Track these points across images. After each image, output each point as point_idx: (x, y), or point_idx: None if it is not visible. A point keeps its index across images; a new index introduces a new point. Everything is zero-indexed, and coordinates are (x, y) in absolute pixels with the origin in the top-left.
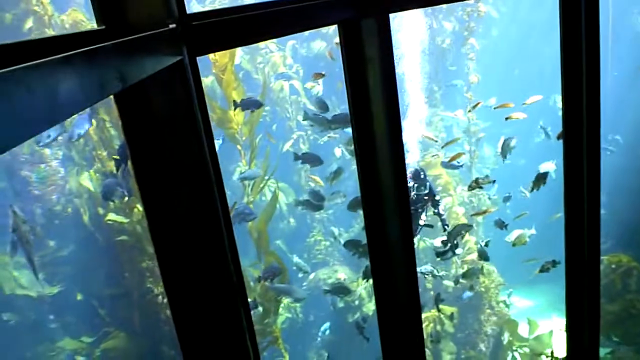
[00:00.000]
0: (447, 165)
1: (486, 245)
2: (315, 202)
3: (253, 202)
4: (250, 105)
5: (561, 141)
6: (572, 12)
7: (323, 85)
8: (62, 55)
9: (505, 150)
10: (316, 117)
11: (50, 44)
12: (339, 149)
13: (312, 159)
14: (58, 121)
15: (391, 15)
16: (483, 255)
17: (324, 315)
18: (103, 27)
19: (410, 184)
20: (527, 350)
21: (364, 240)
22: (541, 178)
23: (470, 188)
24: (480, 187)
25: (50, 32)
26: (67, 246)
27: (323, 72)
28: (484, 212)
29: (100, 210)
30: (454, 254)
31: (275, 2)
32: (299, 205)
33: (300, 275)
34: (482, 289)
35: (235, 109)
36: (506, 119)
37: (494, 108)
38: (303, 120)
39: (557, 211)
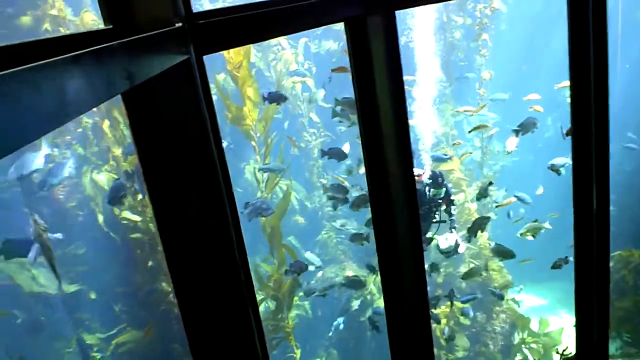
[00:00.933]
0: (436, 158)
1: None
2: (342, 195)
3: (267, 199)
4: (277, 98)
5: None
6: (579, 5)
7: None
8: (70, 54)
9: (527, 128)
10: (344, 113)
11: (58, 43)
12: (347, 144)
13: (338, 154)
14: (66, 120)
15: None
16: (502, 254)
17: (334, 312)
18: (110, 26)
19: (428, 184)
20: (535, 346)
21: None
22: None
23: (478, 198)
24: (486, 196)
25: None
26: (83, 245)
27: (345, 67)
28: (506, 203)
29: (116, 211)
30: (457, 252)
31: (281, 0)
32: (331, 200)
33: (311, 268)
34: (495, 285)
35: (264, 102)
36: (530, 108)
37: (524, 99)
38: (332, 117)
39: (567, 209)
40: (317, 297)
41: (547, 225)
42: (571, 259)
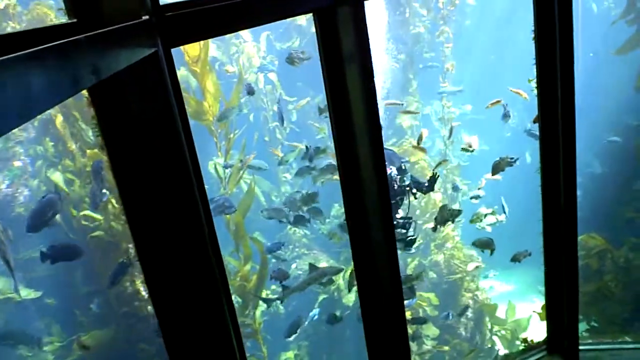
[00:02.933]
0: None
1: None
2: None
3: (230, 194)
4: (250, 91)
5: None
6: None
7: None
8: (35, 49)
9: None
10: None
11: (21, 38)
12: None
13: None
14: (31, 117)
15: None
16: (482, 245)
17: (304, 307)
18: (75, 20)
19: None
20: (504, 332)
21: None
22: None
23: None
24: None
25: (16, 26)
26: (41, 246)
27: None
28: (480, 187)
29: (73, 212)
30: (410, 247)
31: None
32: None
33: (274, 261)
34: (460, 275)
35: (250, 95)
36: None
37: (510, 90)
38: (320, 114)
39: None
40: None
41: (501, 217)
42: (531, 251)
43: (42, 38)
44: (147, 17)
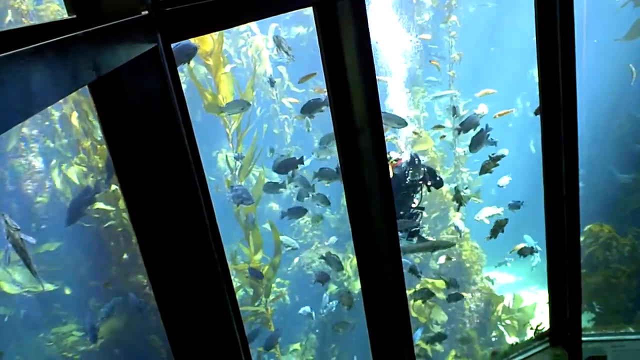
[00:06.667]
0: None
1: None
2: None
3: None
4: (269, 81)
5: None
6: None
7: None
8: (34, 45)
9: (468, 127)
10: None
11: (21, 35)
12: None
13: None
14: (32, 113)
15: None
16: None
17: (310, 298)
18: (74, 16)
19: (406, 167)
20: (510, 322)
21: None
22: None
23: (455, 199)
24: (461, 204)
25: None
26: (56, 240)
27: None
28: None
29: None
30: (412, 238)
31: None
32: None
33: (286, 249)
34: (467, 265)
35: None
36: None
37: (476, 95)
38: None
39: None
40: (294, 283)
41: (498, 210)
42: (539, 248)
43: (42, 34)
44: (146, 12)
